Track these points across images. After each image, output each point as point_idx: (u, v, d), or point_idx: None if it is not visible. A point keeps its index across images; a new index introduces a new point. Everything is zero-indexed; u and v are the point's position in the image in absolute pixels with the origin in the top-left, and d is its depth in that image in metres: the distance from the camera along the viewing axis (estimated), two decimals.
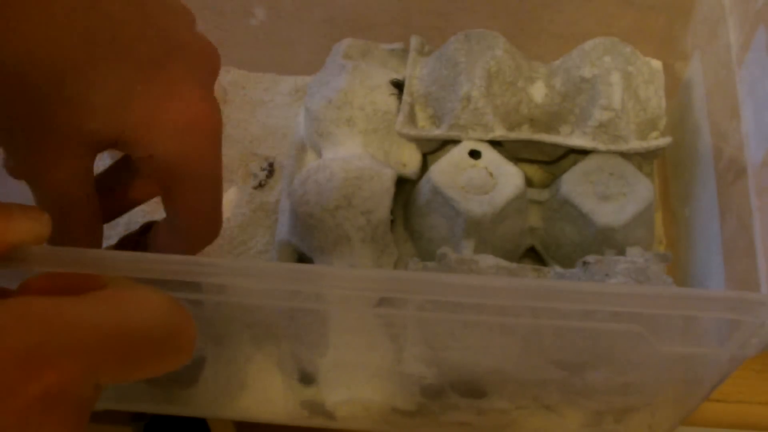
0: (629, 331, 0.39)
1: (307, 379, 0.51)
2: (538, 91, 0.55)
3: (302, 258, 0.54)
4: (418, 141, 0.55)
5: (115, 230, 0.58)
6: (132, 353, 0.25)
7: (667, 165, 0.59)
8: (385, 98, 0.55)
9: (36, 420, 0.23)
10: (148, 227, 0.43)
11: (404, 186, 0.55)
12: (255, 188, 0.58)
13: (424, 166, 0.55)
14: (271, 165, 0.59)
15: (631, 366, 0.43)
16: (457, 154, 0.53)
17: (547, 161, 0.56)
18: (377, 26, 0.63)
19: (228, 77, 0.64)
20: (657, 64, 0.56)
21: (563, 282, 0.37)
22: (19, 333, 0.23)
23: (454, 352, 0.45)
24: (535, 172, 0.57)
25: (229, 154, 0.60)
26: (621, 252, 0.50)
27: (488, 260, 0.47)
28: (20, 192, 0.37)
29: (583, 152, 0.54)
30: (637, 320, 0.39)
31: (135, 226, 0.57)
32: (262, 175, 0.58)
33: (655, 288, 0.42)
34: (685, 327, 0.43)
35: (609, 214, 0.51)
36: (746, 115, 0.46)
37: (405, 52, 0.59)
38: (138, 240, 0.43)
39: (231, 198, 0.57)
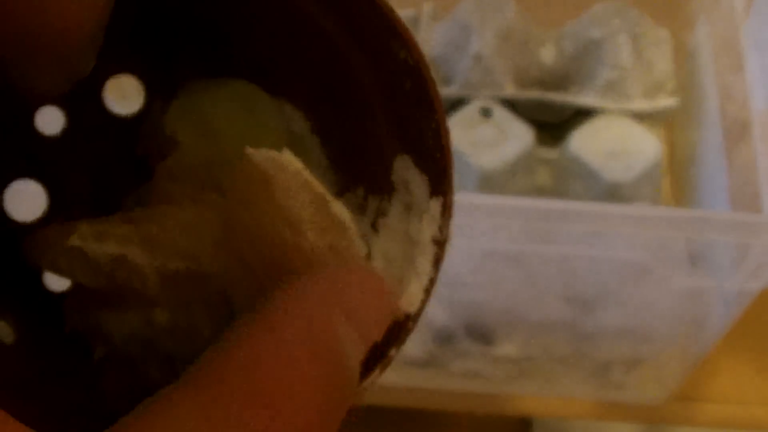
0: (637, 261, 0.40)
1: None
2: (548, 54, 0.57)
3: None
4: None
5: None
6: None
7: (675, 131, 0.60)
8: None
9: None
10: None
11: None
12: None
13: None
14: None
15: (639, 303, 0.44)
16: (469, 111, 0.54)
17: (556, 123, 0.58)
18: None
19: None
20: (664, 32, 0.58)
21: (572, 202, 0.38)
22: None
23: (467, 289, 0.45)
24: (544, 137, 0.58)
25: None
26: None
27: None
28: None
29: (591, 116, 0.55)
30: (645, 250, 0.40)
31: None
32: None
33: (661, 209, 0.43)
34: (693, 261, 0.43)
35: (617, 170, 0.52)
36: (751, 64, 0.47)
37: (416, 19, 0.60)
38: None
39: None
